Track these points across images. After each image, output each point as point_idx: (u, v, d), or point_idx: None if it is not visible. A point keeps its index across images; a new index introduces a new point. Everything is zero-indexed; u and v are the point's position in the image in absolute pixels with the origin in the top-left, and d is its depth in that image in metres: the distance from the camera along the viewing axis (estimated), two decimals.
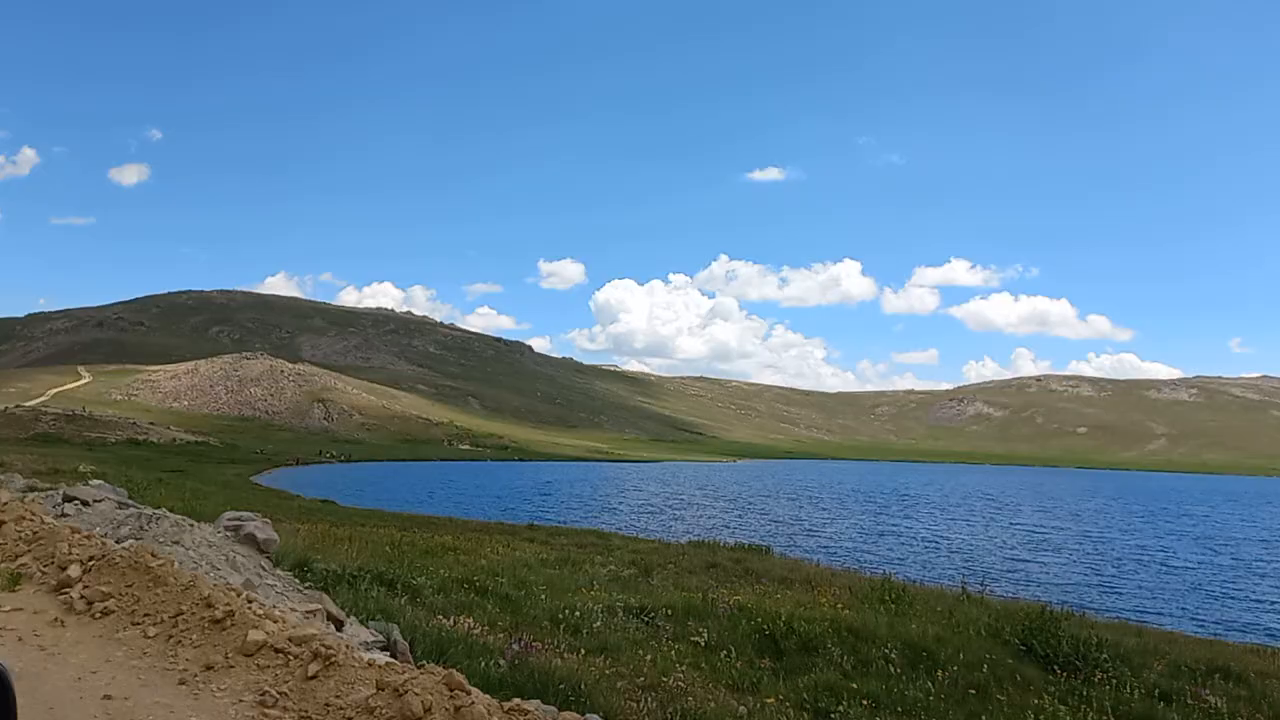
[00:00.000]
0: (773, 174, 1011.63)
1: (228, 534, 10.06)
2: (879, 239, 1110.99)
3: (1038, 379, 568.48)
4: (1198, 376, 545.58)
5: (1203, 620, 33.05)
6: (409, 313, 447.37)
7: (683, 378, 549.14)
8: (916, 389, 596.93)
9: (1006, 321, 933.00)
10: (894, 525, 66.73)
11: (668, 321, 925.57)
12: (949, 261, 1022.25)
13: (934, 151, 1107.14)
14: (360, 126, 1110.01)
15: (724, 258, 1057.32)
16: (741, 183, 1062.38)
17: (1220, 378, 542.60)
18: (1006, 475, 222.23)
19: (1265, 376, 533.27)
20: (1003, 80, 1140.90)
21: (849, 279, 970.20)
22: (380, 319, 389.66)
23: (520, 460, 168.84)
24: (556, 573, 21.77)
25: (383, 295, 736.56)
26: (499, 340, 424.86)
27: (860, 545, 51.98)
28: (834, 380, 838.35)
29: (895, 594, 20.79)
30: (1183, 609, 35.92)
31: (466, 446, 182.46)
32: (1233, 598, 39.56)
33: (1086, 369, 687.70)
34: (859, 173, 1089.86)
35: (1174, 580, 44.15)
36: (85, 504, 10.32)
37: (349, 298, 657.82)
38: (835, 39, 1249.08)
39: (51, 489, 12.65)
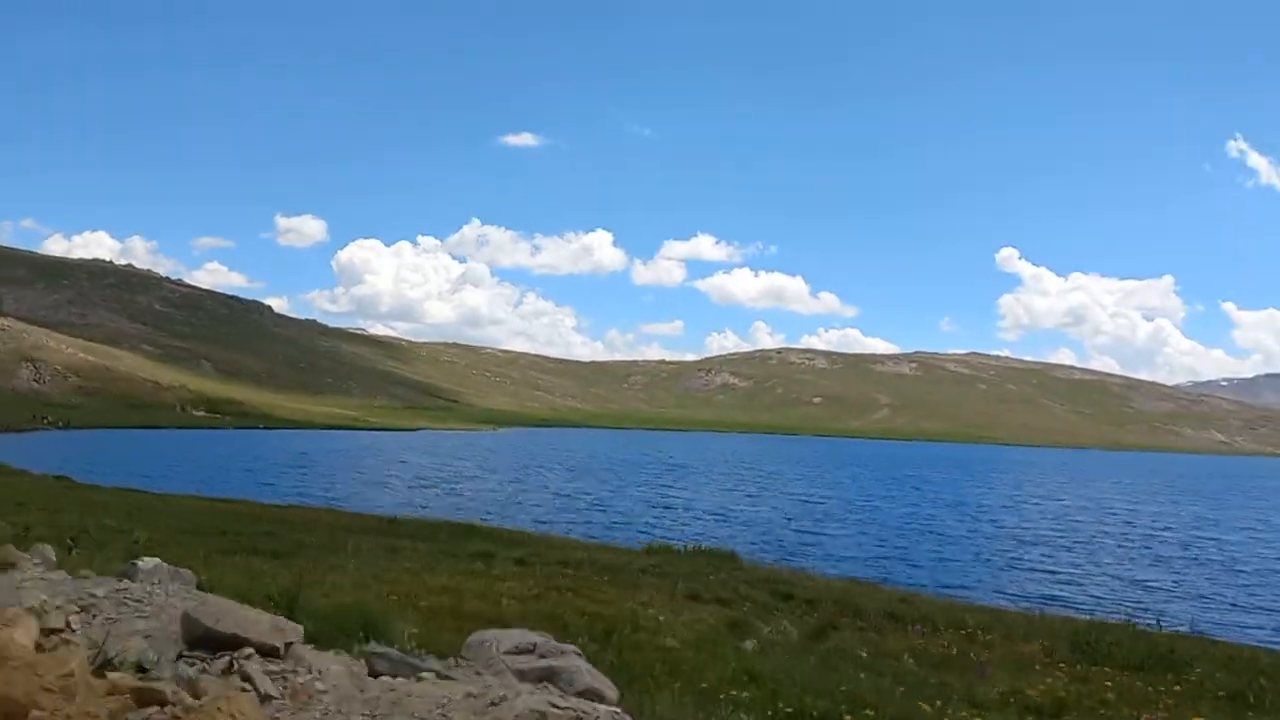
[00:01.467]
0: (527, 139, 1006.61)
1: None
2: (630, 211, 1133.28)
3: (778, 351, 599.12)
4: (916, 352, 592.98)
5: (1006, 592, 33.33)
6: (130, 266, 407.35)
7: (435, 343, 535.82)
8: (668, 359, 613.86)
9: (747, 296, 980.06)
10: (675, 497, 65.83)
11: (416, 285, 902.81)
12: (696, 236, 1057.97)
13: (683, 127, 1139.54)
14: (57, 55, 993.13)
15: (476, 222, 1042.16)
16: (495, 146, 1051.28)
17: (935, 354, 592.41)
18: (755, 443, 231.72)
19: (974, 353, 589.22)
20: (752, 60, 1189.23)
21: (600, 249, 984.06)
22: (97, 272, 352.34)
23: (265, 428, 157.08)
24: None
25: (96, 245, 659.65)
26: (234, 299, 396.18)
27: (654, 521, 50.19)
28: (583, 349, 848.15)
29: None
30: (979, 580, 36.34)
31: (202, 413, 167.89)
32: (1015, 568, 40.69)
33: (818, 343, 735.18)
34: (612, 144, 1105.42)
35: (957, 550, 45.20)
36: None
37: (56, 246, 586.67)
38: (593, 6, 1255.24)
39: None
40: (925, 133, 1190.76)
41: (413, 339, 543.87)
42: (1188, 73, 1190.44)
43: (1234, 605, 33.35)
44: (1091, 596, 33.64)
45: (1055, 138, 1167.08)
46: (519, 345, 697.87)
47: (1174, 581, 38.36)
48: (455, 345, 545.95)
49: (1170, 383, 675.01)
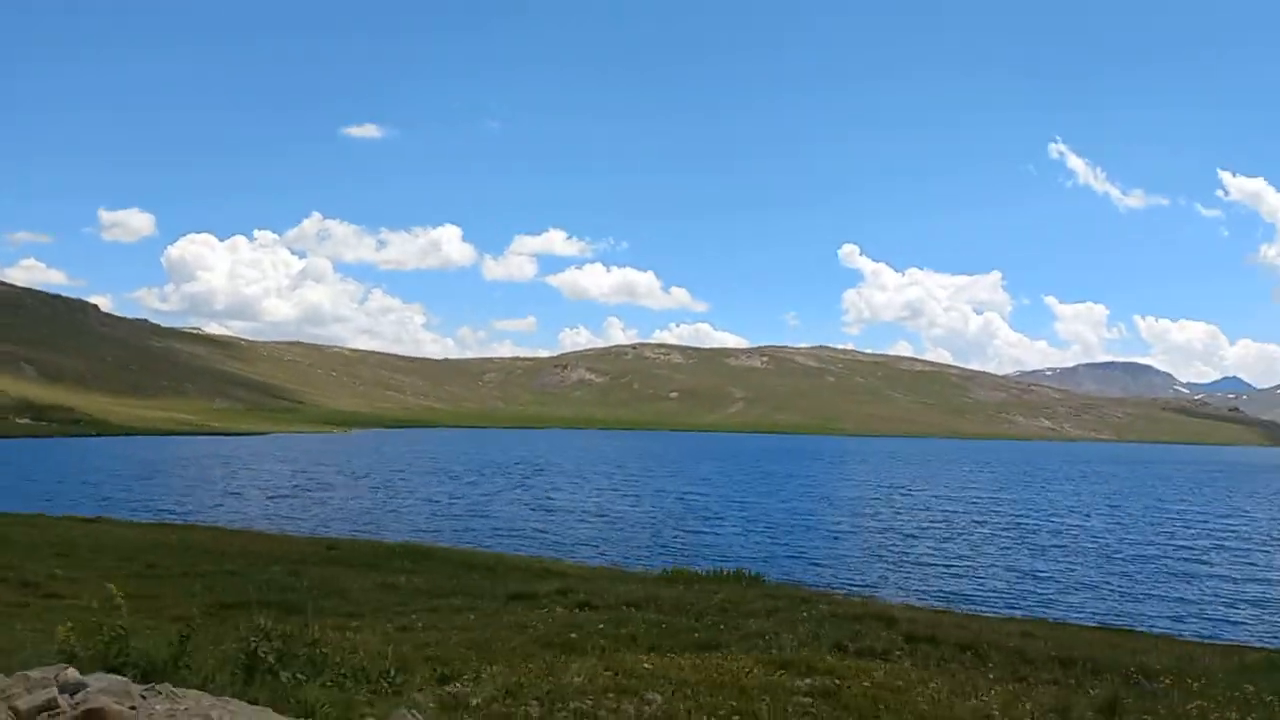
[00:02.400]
0: (370, 131, 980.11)
1: None
2: (480, 205, 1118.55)
3: (633, 346, 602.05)
4: (767, 346, 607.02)
5: (911, 589, 33.03)
6: None
7: (277, 342, 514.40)
8: (522, 355, 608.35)
9: (600, 291, 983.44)
10: (553, 500, 63.92)
11: (253, 282, 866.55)
12: (547, 231, 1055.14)
13: (534, 123, 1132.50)
14: None
15: (317, 216, 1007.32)
16: (337, 138, 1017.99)
17: (785, 347, 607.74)
18: (616, 439, 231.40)
19: (822, 346, 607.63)
20: (605, 59, 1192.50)
21: (449, 244, 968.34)
22: None
23: (98, 436, 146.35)
24: None
25: None
26: (56, 297, 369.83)
27: (543, 527, 48.18)
28: (434, 347, 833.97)
29: None
30: (882, 578, 35.99)
31: (26, 421, 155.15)
32: (909, 563, 40.68)
33: (670, 337, 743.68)
34: (459, 137, 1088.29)
35: (849, 545, 45.07)
36: None
37: None
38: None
39: None
40: (769, 134, 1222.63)
41: (252, 338, 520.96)
42: (1013, 82, 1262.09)
43: (1127, 594, 34.03)
44: (993, 592, 33.69)
45: (892, 142, 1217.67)
46: (365, 343, 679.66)
47: (1061, 571, 39.03)
48: (298, 344, 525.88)
49: (1000, 373, 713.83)
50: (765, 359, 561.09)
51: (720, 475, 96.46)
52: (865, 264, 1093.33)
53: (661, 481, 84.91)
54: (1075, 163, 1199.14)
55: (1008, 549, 45.44)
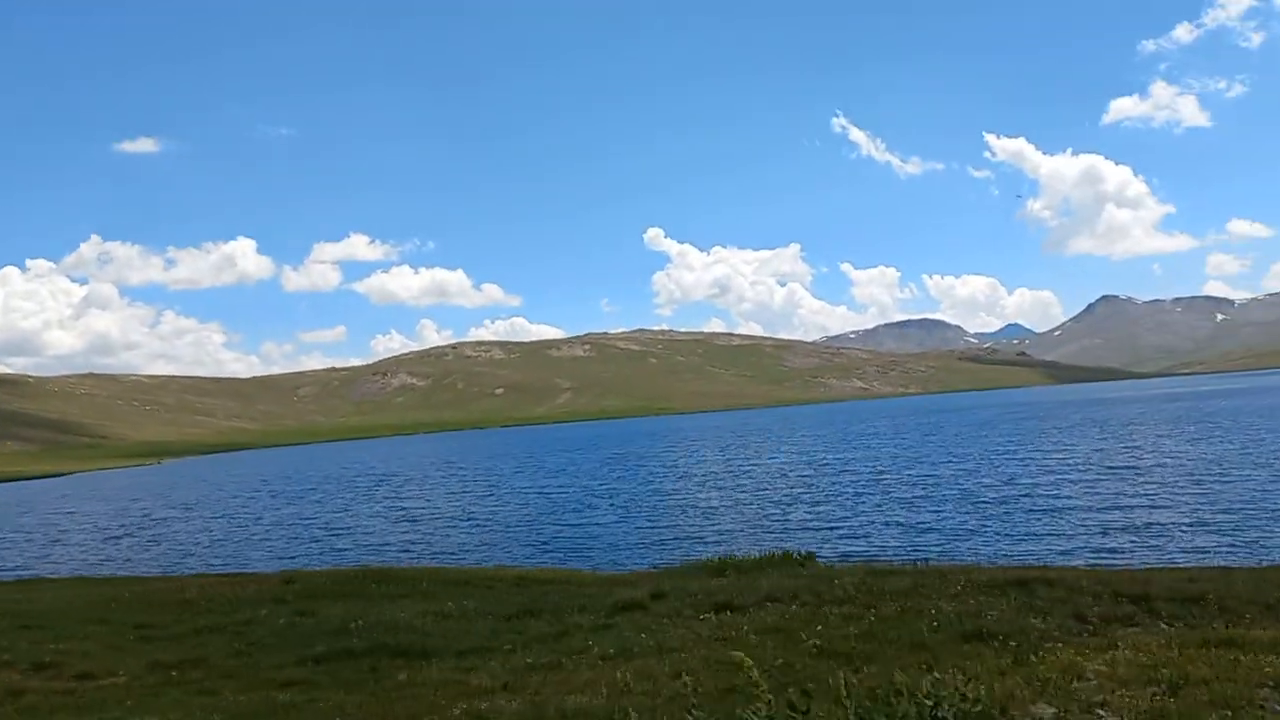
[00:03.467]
0: (147, 145, 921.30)
1: None
2: (275, 215, 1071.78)
3: (453, 347, 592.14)
4: (587, 334, 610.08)
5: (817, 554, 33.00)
6: None
7: (66, 376, 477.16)
8: (337, 366, 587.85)
9: (409, 294, 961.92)
10: (410, 509, 61.32)
11: (31, 314, 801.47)
12: (349, 236, 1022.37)
13: (325, 125, 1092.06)
14: None
15: (96, 239, 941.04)
16: (111, 154, 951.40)
17: (605, 334, 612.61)
18: (448, 441, 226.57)
19: (640, 330, 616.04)
20: (396, 58, 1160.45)
21: (245, 258, 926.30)
22: None
23: None
24: None
25: None
26: None
27: (415, 539, 45.84)
28: (238, 366, 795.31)
29: None
30: (779, 547, 35.87)
31: None
32: (791, 528, 40.92)
33: (487, 334, 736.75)
34: (246, 145, 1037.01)
35: (730, 519, 44.98)
36: None
37: None
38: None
39: None
40: (567, 135, 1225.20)
41: (37, 374, 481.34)
42: (794, 59, 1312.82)
43: (1005, 535, 35.20)
44: (879, 545, 34.21)
45: (689, 131, 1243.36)
46: (163, 368, 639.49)
47: (938, 519, 40.13)
48: (90, 376, 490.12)
49: (809, 340, 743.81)
50: (587, 347, 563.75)
51: (569, 467, 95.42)
52: (671, 246, 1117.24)
53: (509, 479, 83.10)
54: (857, 135, 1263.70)
55: (881, 504, 46.46)
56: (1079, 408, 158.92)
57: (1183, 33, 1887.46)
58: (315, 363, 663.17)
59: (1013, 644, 10.88)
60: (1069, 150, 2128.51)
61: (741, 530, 40.89)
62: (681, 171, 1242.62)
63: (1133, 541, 31.83)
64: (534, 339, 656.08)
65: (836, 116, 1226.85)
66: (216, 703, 11.11)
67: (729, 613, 14.29)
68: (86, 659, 14.06)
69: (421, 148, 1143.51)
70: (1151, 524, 34.69)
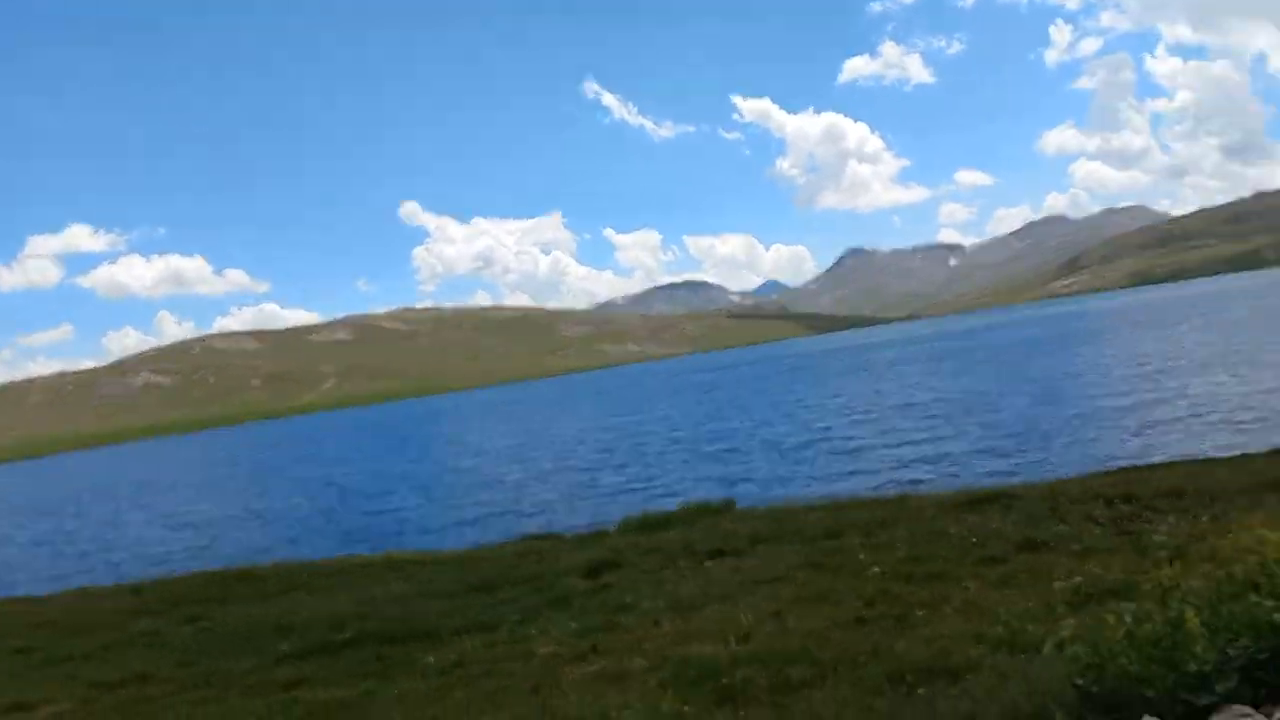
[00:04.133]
0: None
1: None
2: None
3: (200, 340, 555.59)
4: (348, 316, 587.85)
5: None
6: None
7: None
8: (67, 370, 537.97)
9: (142, 285, 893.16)
10: (194, 512, 56.52)
11: None
12: (68, 227, 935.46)
13: (24, 109, 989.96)
14: None
15: None
16: None
17: (367, 315, 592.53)
18: (211, 440, 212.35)
19: (405, 308, 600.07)
20: (103, 33, 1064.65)
21: None
22: None
23: None
24: None
25: None
26: None
27: (204, 543, 41.91)
28: None
29: None
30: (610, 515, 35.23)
31: None
32: (610, 492, 40.39)
33: (235, 323, 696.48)
34: None
35: (548, 488, 43.96)
36: None
37: None
38: None
39: None
40: (302, 110, 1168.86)
41: None
42: (540, 21, 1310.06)
43: (816, 478, 36.06)
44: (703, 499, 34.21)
45: (436, 94, 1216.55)
46: None
47: (747, 469, 40.66)
48: None
49: (580, 307, 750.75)
50: (349, 330, 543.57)
51: (353, 454, 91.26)
52: (429, 219, 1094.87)
53: (293, 471, 78.43)
54: (609, 100, 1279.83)
55: (689, 460, 46.66)
56: (844, 355, 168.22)
57: None
58: (42, 368, 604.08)
59: (1075, 548, 10.71)
60: (811, 109, 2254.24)
61: (559, 500, 39.83)
62: (435, 143, 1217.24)
63: (929, 471, 33.30)
64: (289, 325, 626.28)
65: (588, 81, 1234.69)
66: (248, 706, 9.70)
67: (729, 557, 13.46)
68: (7, 689, 11.54)
69: (144, 131, 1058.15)
70: (944, 454, 36.51)
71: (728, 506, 19.05)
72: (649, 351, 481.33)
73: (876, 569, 10.99)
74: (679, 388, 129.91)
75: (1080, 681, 4.40)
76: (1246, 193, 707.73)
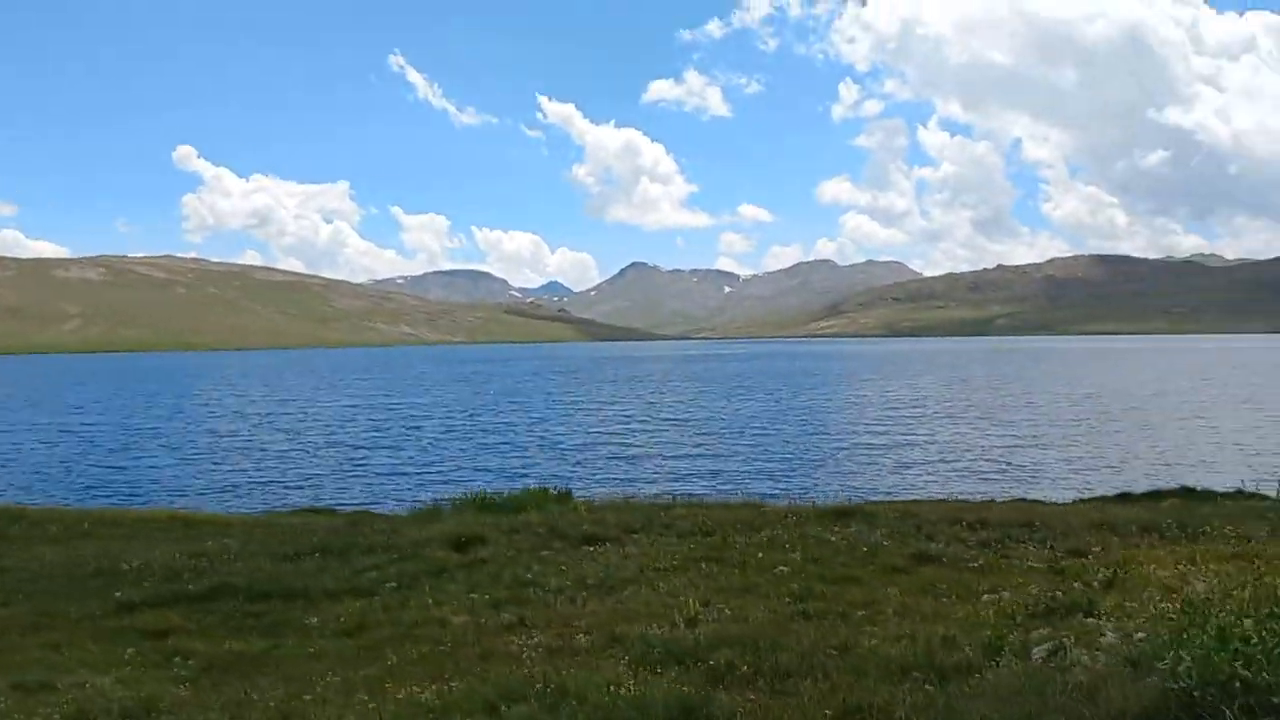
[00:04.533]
0: None
1: None
2: None
3: None
4: (101, 256, 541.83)
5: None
6: None
7: None
8: None
9: None
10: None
11: None
12: None
13: None
14: None
15: None
16: None
17: (125, 257, 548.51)
18: None
19: (168, 256, 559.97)
20: None
21: None
22: None
23: None
24: None
25: None
26: None
27: None
28: None
29: None
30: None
31: None
32: (408, 473, 39.60)
33: None
34: None
35: (317, 465, 42.45)
36: None
37: None
38: None
39: None
40: (82, 13, 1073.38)
41: None
42: None
43: (594, 478, 36.86)
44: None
45: (231, 35, 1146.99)
46: None
47: (524, 464, 41.02)
48: None
49: (354, 281, 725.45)
50: (102, 270, 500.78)
51: (97, 402, 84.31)
52: (205, 167, 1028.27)
53: (24, 416, 71.56)
54: (415, 77, 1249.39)
55: (466, 449, 46.41)
56: (619, 364, 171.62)
57: (715, 28, 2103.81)
58: None
59: (972, 565, 11.29)
60: (613, 122, 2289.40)
61: (328, 475, 38.65)
62: (222, 87, 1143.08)
63: (705, 485, 34.74)
64: (33, 255, 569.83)
65: (394, 54, 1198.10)
66: (117, 654, 9.18)
67: (608, 543, 13.30)
68: (53, 658, 9.90)
69: None
70: (719, 470, 38.22)
71: (566, 496, 18.98)
72: (423, 336, 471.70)
73: (784, 568, 11.34)
74: (456, 376, 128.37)
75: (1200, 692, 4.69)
76: (989, 264, 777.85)
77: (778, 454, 41.93)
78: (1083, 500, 20.64)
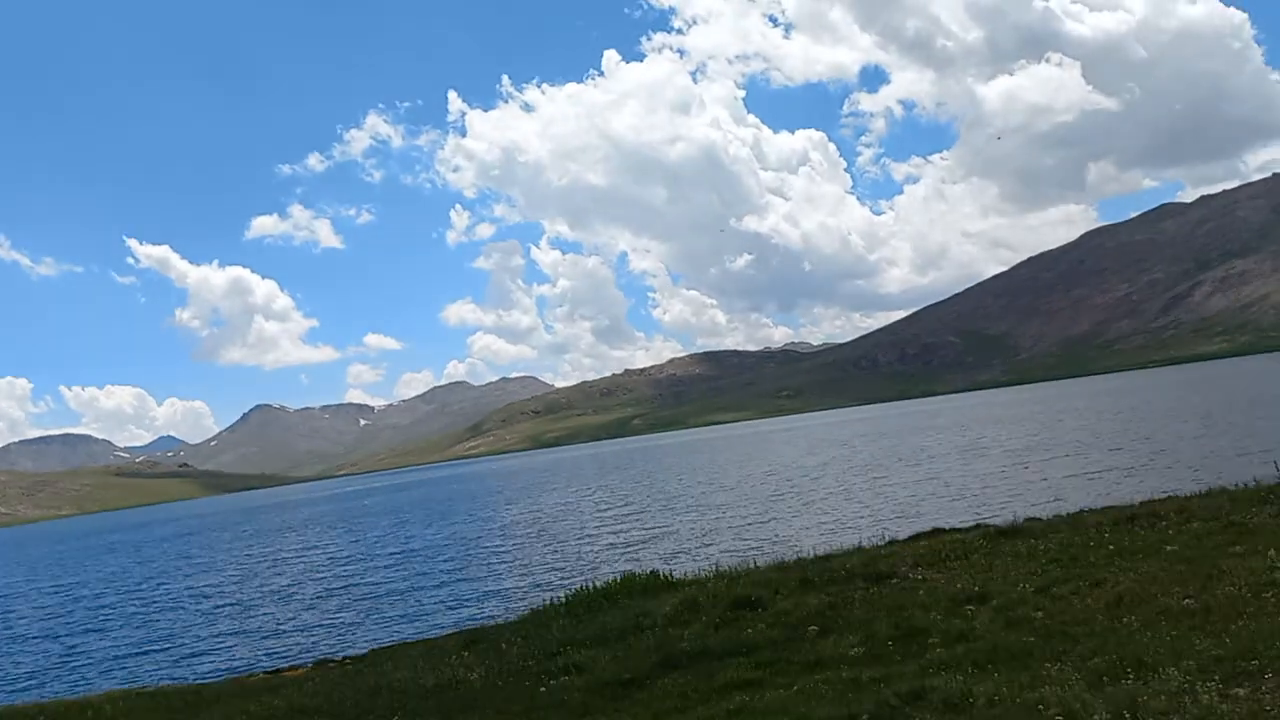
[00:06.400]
0: None
1: None
2: None
3: None
4: None
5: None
6: None
7: None
8: None
9: None
10: None
11: None
12: None
13: None
14: None
15: None
16: None
17: None
18: None
19: None
20: None
21: None
22: None
23: None
24: None
25: None
26: None
27: None
28: None
29: None
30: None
31: None
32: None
33: None
34: None
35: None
36: None
37: None
38: None
39: None
40: None
41: None
42: None
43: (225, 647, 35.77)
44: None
45: None
46: None
47: (157, 635, 38.80)
48: None
49: None
50: None
51: None
52: None
53: None
54: None
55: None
56: (252, 515, 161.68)
57: (315, 162, 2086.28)
58: None
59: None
60: (216, 261, 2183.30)
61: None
62: None
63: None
64: None
65: None
66: None
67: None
68: None
69: None
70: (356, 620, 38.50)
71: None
72: (21, 513, 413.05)
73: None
74: (82, 553, 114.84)
75: None
76: (616, 370, 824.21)
77: (401, 586, 42.78)
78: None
